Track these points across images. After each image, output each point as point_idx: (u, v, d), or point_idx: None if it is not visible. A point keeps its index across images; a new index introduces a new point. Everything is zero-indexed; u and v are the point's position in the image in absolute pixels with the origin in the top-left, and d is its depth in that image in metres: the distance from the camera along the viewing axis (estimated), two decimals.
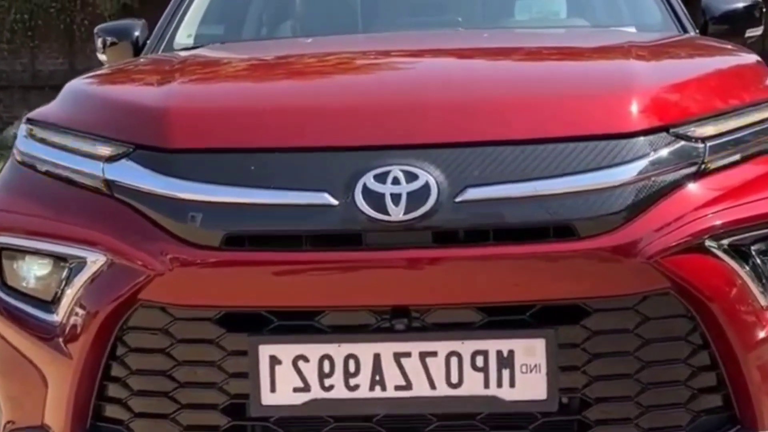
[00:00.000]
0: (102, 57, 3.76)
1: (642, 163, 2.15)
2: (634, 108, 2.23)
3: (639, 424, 2.16)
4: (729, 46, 2.93)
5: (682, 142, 2.20)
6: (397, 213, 2.08)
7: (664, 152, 2.18)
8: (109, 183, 2.26)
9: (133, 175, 2.24)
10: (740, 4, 3.51)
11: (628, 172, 2.14)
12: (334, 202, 2.11)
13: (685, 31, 3.40)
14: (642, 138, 2.18)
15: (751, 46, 3.29)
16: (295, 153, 2.19)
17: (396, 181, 2.10)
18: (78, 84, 2.74)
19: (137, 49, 3.59)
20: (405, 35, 3.36)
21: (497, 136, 2.17)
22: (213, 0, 3.81)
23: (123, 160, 2.27)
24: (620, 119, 2.21)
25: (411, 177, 2.10)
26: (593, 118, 2.21)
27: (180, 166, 2.20)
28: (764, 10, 3.55)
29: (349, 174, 2.12)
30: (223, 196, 2.15)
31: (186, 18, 3.63)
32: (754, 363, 2.15)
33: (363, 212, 2.09)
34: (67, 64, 19.25)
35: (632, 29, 3.40)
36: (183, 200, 2.17)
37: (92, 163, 2.30)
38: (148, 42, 3.58)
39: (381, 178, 2.11)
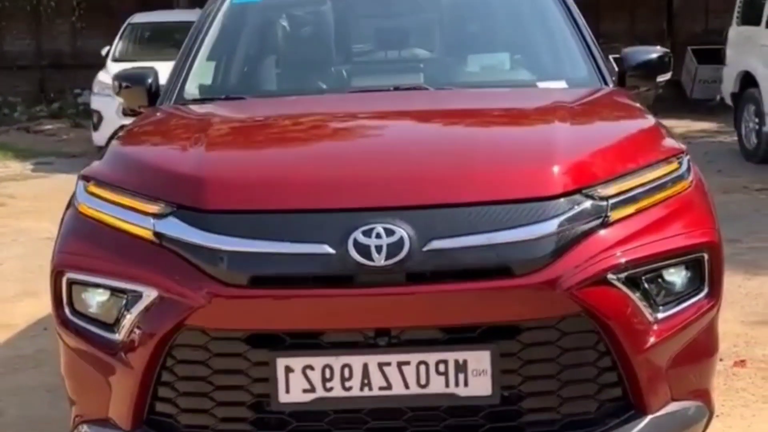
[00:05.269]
0: (118, 99, 4.40)
1: (561, 219, 2.86)
2: (557, 176, 2.94)
3: (559, 411, 2.89)
4: (636, 107, 3.66)
5: (591, 201, 2.92)
6: (379, 260, 2.79)
7: (577, 209, 2.89)
8: (158, 235, 2.95)
9: (177, 229, 2.92)
10: (653, 55, 4.21)
11: (551, 225, 2.85)
12: (332, 251, 2.81)
13: (606, 82, 4.09)
14: (562, 199, 2.90)
15: None
16: (303, 214, 2.89)
17: (378, 236, 2.80)
18: (124, 147, 3.43)
19: (150, 93, 4.23)
20: (379, 99, 4.01)
21: (453, 200, 2.89)
22: (214, 51, 4.47)
23: (169, 217, 2.95)
24: (546, 185, 2.92)
25: (389, 232, 2.80)
26: (524, 185, 2.92)
27: (214, 223, 2.89)
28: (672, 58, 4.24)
29: (343, 230, 2.82)
30: (248, 246, 2.84)
31: (192, 69, 4.28)
32: (643, 364, 2.90)
33: (354, 259, 2.79)
34: (33, 44, 19.54)
35: (563, 83, 4.08)
36: (217, 250, 2.85)
37: (143, 218, 2.98)
38: (162, 91, 4.23)
39: (367, 234, 2.80)
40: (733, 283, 5.79)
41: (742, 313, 5.49)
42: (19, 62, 19.20)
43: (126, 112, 4.50)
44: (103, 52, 14.08)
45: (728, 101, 12.08)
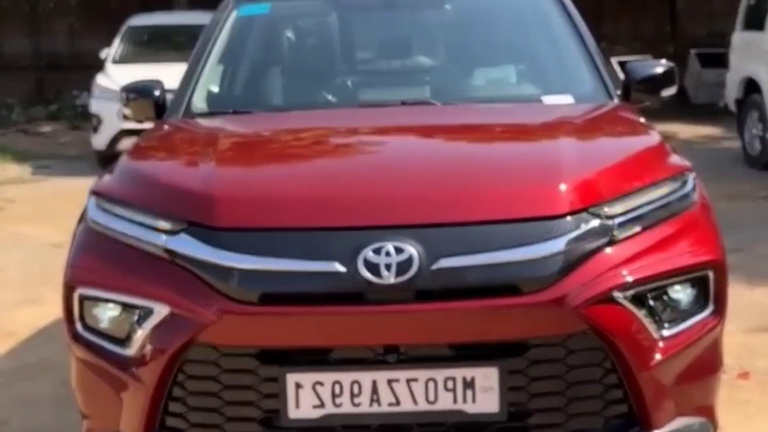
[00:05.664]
0: (126, 111, 4.48)
1: (568, 237, 2.94)
2: (564, 195, 3.02)
3: (566, 427, 2.97)
4: (641, 124, 3.74)
5: (598, 219, 3.00)
6: (388, 278, 2.86)
7: (584, 228, 2.97)
8: (169, 251, 3.02)
9: (188, 246, 2.99)
10: (659, 70, 4.29)
11: (558, 244, 2.93)
12: (342, 269, 2.88)
13: (611, 95, 4.17)
14: (569, 218, 2.97)
15: None
16: (313, 231, 2.96)
17: (388, 254, 2.88)
18: (134, 163, 3.50)
19: (157, 105, 4.31)
20: (386, 115, 4.07)
21: (461, 219, 2.96)
22: (222, 64, 4.54)
23: (180, 234, 3.02)
24: (553, 204, 3.00)
25: (399, 250, 2.88)
26: (532, 204, 3.00)
27: (225, 240, 2.96)
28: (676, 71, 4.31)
29: (353, 248, 2.89)
30: (259, 264, 2.91)
31: (199, 82, 4.36)
32: (649, 381, 2.98)
33: (363, 277, 2.87)
34: (31, 45, 19.56)
35: (569, 98, 4.15)
36: (228, 267, 2.93)
37: (155, 234, 3.06)
38: (169, 104, 4.30)
39: (377, 252, 2.88)
40: (735, 292, 5.79)
41: (744, 323, 5.54)
42: (16, 63, 19.25)
43: (126, 116, 4.57)
44: (102, 54, 14.12)
45: (731, 107, 12.15)
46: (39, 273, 6.93)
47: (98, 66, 13.73)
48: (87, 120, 13.23)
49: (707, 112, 16.06)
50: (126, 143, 11.34)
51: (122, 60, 13.38)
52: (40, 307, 6.08)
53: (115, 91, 11.05)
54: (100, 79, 12.83)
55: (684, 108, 16.07)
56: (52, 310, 5.58)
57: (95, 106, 12.67)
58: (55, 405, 4.52)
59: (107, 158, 11.95)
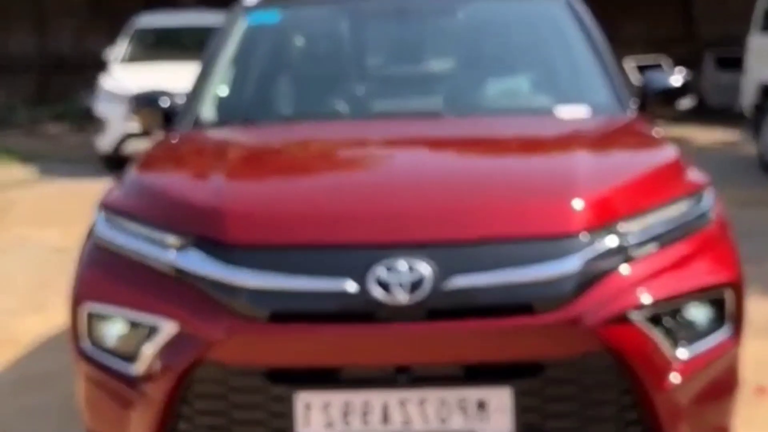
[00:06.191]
0: (135, 119, 4.50)
1: (583, 256, 2.94)
2: (580, 213, 3.02)
3: None
4: (658, 139, 3.73)
5: (614, 238, 3.00)
6: (400, 297, 2.87)
7: (599, 246, 2.97)
8: (178, 268, 3.03)
9: (197, 263, 3.00)
10: (675, 82, 4.28)
11: (573, 262, 2.93)
12: (354, 287, 2.88)
13: (628, 106, 4.16)
14: (585, 236, 2.97)
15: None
16: (324, 249, 2.97)
17: (400, 273, 2.88)
18: (143, 176, 3.51)
19: (165, 114, 4.32)
20: (398, 128, 4.07)
21: (475, 236, 2.96)
22: (231, 74, 4.55)
23: (189, 250, 3.03)
24: (568, 222, 3.00)
25: (411, 269, 2.88)
26: (547, 221, 3.01)
27: (235, 257, 2.96)
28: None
29: (365, 266, 2.89)
30: (269, 281, 2.92)
31: (208, 92, 4.37)
32: (664, 402, 2.97)
33: (375, 296, 2.87)
34: (36, 46, 19.60)
35: (584, 110, 4.14)
36: (238, 284, 2.93)
37: (164, 250, 3.07)
38: (179, 113, 4.31)
39: (389, 270, 2.88)
40: (750, 303, 5.80)
41: (760, 336, 5.52)
42: (21, 63, 19.30)
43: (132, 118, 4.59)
44: (106, 54, 14.14)
45: (747, 112, 12.10)
46: (43, 279, 6.94)
47: (103, 66, 13.75)
48: (92, 121, 13.26)
49: (723, 115, 16.03)
50: (132, 146, 11.37)
51: (128, 61, 13.38)
52: (43, 315, 6.08)
53: (120, 94, 11.08)
54: (106, 81, 12.83)
55: (699, 111, 16.00)
56: (56, 317, 5.59)
57: (100, 108, 12.66)
58: (59, 418, 4.52)
59: (113, 161, 11.99)
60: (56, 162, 13.47)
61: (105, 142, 12.44)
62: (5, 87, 18.45)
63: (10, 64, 19.27)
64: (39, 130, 16.76)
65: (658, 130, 3.96)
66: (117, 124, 11.84)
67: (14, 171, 12.93)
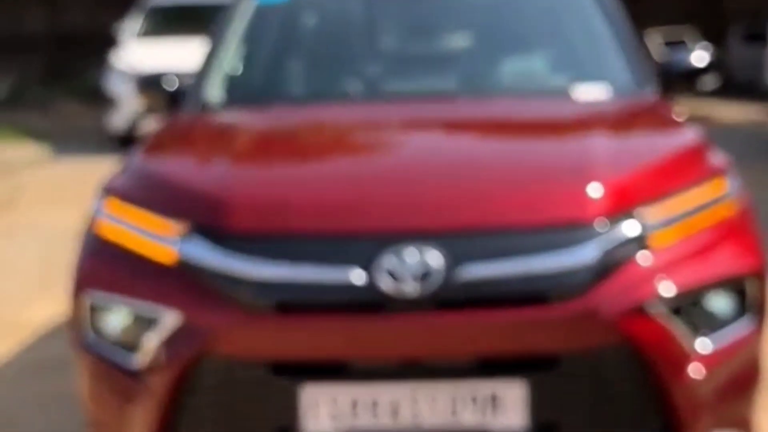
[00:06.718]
0: (139, 100, 4.45)
1: (601, 244, 2.87)
2: (598, 199, 2.95)
3: None
4: (679, 121, 3.65)
5: (632, 225, 2.93)
6: (410, 287, 2.80)
7: (618, 234, 2.90)
8: (181, 257, 2.97)
9: (201, 252, 2.94)
10: (699, 64, 4.20)
11: (591, 250, 2.86)
12: (363, 277, 2.82)
13: (649, 86, 4.07)
14: (602, 223, 2.90)
15: None
16: (332, 237, 2.91)
17: (410, 262, 2.82)
18: (146, 161, 3.45)
19: (172, 95, 4.27)
20: (411, 109, 4.00)
21: (488, 224, 2.90)
22: (239, 55, 4.49)
23: (193, 239, 2.97)
24: (586, 208, 2.93)
25: (422, 258, 2.82)
26: (563, 207, 2.94)
27: (240, 246, 2.91)
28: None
29: (374, 255, 2.83)
30: (274, 271, 2.86)
31: (216, 73, 4.31)
32: (684, 395, 2.90)
33: (384, 286, 2.81)
34: (48, 22, 19.59)
35: (604, 90, 4.04)
36: (243, 274, 2.88)
37: (166, 239, 3.01)
38: (186, 95, 4.26)
39: (399, 260, 2.82)
40: None
41: None
42: (33, 40, 19.30)
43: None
44: (119, 31, 14.09)
45: None
46: (53, 262, 6.92)
47: (116, 42, 13.71)
48: (104, 98, 13.23)
49: (749, 91, 15.87)
50: (145, 124, 11.34)
51: (143, 37, 13.33)
52: (53, 301, 6.06)
53: (131, 72, 11.04)
54: (118, 59, 12.80)
55: (725, 87, 15.85)
56: (66, 304, 5.56)
57: (113, 86, 12.64)
58: (67, 406, 4.49)
59: (126, 141, 11.97)
60: (69, 141, 13.47)
61: (117, 122, 12.42)
62: (17, 65, 18.46)
63: (22, 42, 19.27)
64: (52, 108, 16.76)
65: (680, 111, 3.87)
66: (128, 103, 11.82)
67: (27, 150, 12.93)
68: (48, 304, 6.07)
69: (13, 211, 9.13)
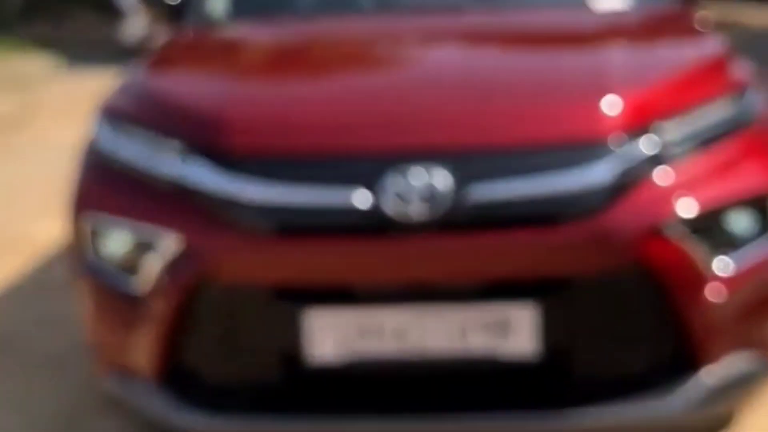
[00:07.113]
0: (140, 17, 4.33)
1: (616, 161, 2.77)
2: (614, 115, 2.84)
3: (609, 369, 2.84)
4: (701, 30, 3.50)
5: (648, 141, 2.83)
6: (417, 207, 2.72)
7: (633, 151, 2.80)
8: (181, 179, 2.90)
9: (201, 174, 2.87)
10: None
11: (605, 169, 2.76)
12: (368, 198, 2.74)
13: None
14: (617, 140, 2.80)
15: None
16: (337, 157, 2.82)
17: (418, 180, 2.73)
18: (146, 79, 3.35)
19: (173, 8, 4.15)
20: (420, 19, 3.88)
21: (498, 141, 2.80)
22: None
23: (193, 160, 2.89)
24: (600, 125, 2.82)
25: (430, 176, 2.73)
26: (575, 124, 2.83)
27: (241, 167, 2.83)
28: None
29: (379, 176, 2.75)
30: (277, 193, 2.78)
31: None
32: (702, 318, 2.82)
33: (391, 207, 2.73)
34: None
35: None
36: (243, 196, 2.80)
37: (166, 160, 2.93)
38: (189, 6, 4.13)
39: (406, 178, 2.74)
40: None
41: None
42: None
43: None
44: None
45: None
46: (62, 182, 6.85)
47: None
48: (117, 11, 13.03)
49: None
50: (158, 36, 11.19)
51: None
52: (59, 220, 6.01)
53: None
54: None
55: None
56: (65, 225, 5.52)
57: None
58: (75, 328, 4.46)
59: (139, 53, 11.84)
60: (84, 53, 13.28)
61: (128, 32, 12.26)
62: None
63: None
64: (67, 19, 16.55)
65: (705, 19, 3.73)
66: (137, 15, 11.64)
67: (41, 62, 12.81)
68: (54, 224, 6.01)
69: (26, 128, 9.06)
